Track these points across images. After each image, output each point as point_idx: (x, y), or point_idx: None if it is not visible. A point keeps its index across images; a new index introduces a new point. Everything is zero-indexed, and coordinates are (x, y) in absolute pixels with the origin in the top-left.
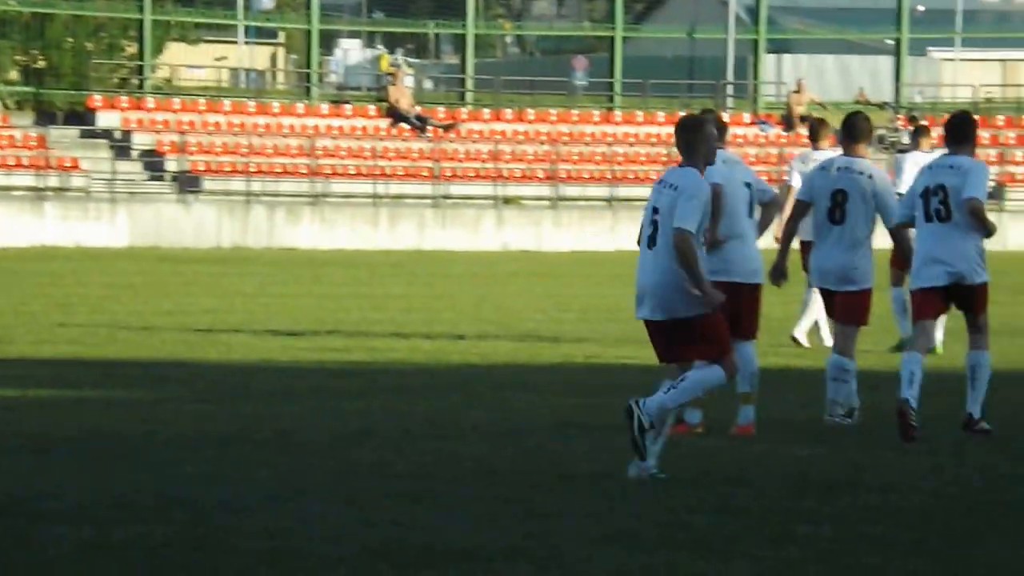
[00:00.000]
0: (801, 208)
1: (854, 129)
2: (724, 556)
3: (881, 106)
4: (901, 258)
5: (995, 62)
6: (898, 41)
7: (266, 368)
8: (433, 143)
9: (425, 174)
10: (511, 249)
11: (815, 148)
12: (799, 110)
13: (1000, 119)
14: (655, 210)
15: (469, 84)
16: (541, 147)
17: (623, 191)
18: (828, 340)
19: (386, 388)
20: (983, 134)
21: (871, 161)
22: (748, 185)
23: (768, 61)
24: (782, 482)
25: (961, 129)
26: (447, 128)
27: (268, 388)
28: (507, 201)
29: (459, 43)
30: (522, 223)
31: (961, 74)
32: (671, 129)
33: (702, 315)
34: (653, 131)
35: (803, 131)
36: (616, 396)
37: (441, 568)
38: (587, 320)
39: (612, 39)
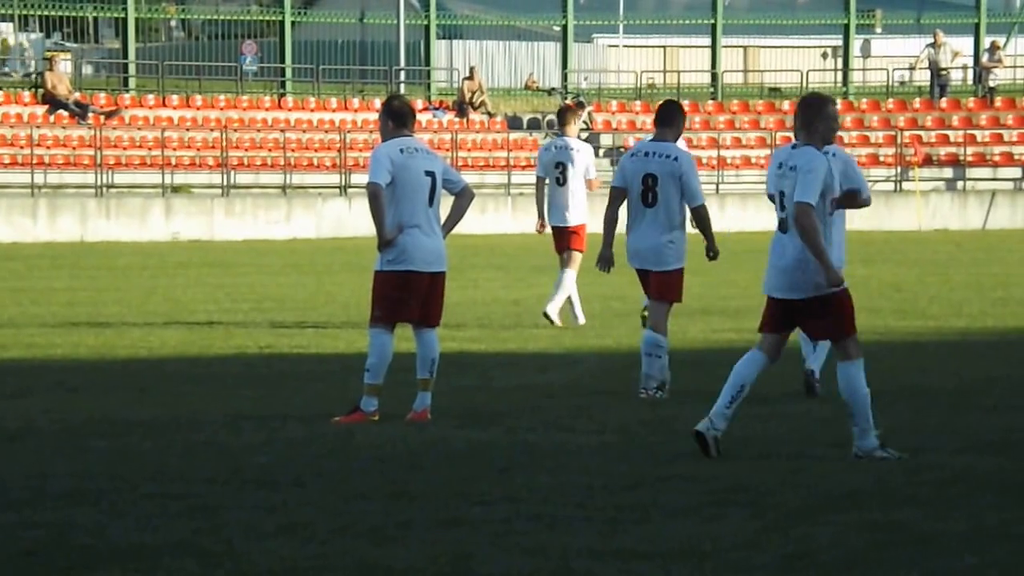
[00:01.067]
0: (618, 194)
1: (666, 115)
2: (398, 542)
3: (549, 91)
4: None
5: (657, 48)
6: (564, 28)
7: None
8: (94, 130)
9: (87, 163)
10: (181, 239)
11: (562, 134)
12: (471, 96)
13: None
14: (782, 194)
15: (132, 69)
16: (211, 134)
17: (297, 178)
18: (581, 318)
19: (47, 386)
20: (645, 119)
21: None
22: (430, 174)
23: (440, 47)
24: (457, 465)
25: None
26: (109, 115)
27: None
28: (176, 190)
29: (120, 27)
30: (192, 212)
31: (625, 60)
32: (344, 115)
33: (836, 292)
34: (326, 117)
35: (475, 117)
36: (289, 387)
37: (105, 568)
38: (261, 310)
39: (281, 23)
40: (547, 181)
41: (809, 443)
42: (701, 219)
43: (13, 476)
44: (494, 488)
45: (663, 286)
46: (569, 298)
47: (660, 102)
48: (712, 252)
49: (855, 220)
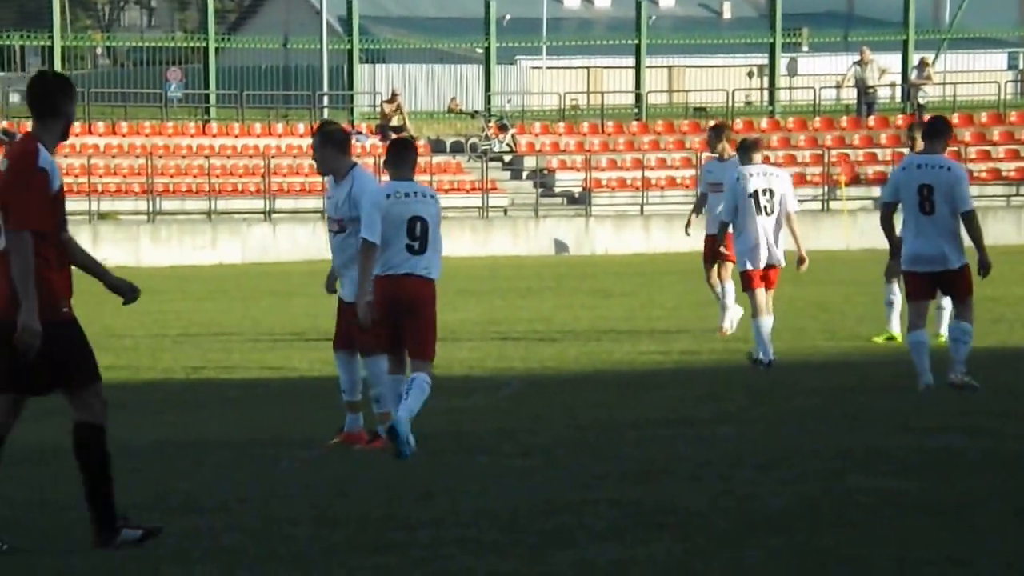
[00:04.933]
0: (891, 207)
1: (935, 129)
2: (322, 569)
3: (473, 114)
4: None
5: (580, 69)
6: (487, 50)
7: None
8: None
9: None
10: (107, 265)
11: (722, 159)
12: (393, 120)
13: (585, 126)
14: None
15: None
16: (136, 160)
17: (222, 203)
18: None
19: None
20: (569, 140)
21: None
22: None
23: (363, 71)
24: (381, 490)
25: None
26: None
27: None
28: (102, 216)
29: (46, 55)
30: (119, 238)
31: (549, 82)
32: (268, 140)
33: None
34: (250, 143)
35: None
36: (213, 412)
37: None
38: (188, 335)
39: (205, 49)
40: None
41: (738, 465)
42: (973, 226)
43: None
44: (419, 512)
45: (960, 281)
46: (725, 306)
47: (929, 117)
48: (984, 267)
49: (787, 239)
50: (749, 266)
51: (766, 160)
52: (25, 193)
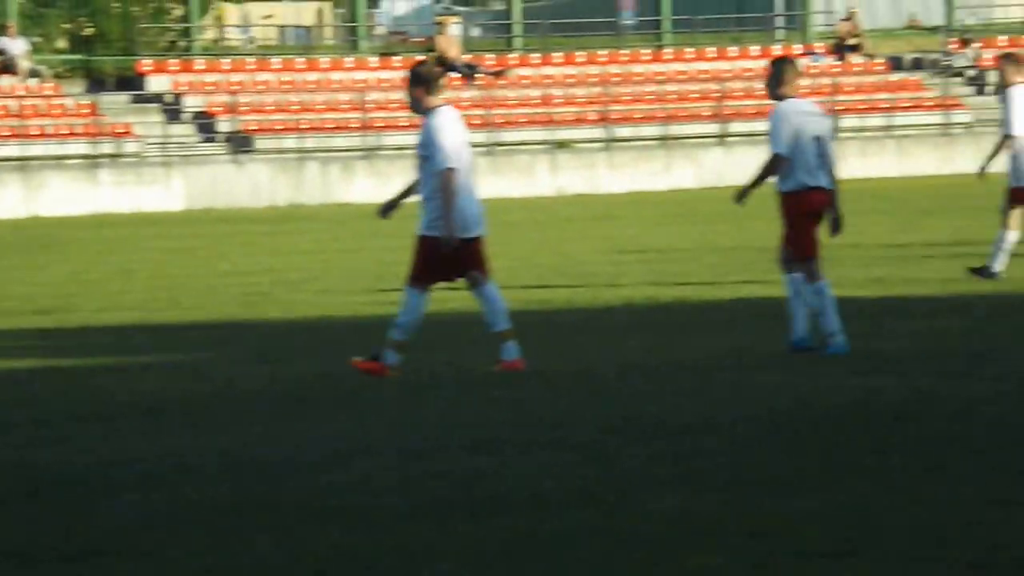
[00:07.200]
0: None
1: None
2: (794, 492)
3: (934, 30)
4: None
5: None
6: None
7: (329, 325)
8: (483, 91)
9: (477, 122)
10: (566, 194)
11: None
12: (849, 38)
13: None
14: None
15: (517, 30)
16: (592, 89)
17: (675, 129)
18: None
19: (447, 339)
20: None
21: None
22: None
23: None
24: (847, 417)
25: None
26: (497, 75)
27: (334, 342)
28: (560, 145)
29: None
30: (576, 167)
31: None
32: (722, 64)
33: None
34: (704, 67)
35: (855, 59)
36: (675, 337)
37: (510, 516)
38: (646, 261)
39: None
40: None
41: None
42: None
43: (421, 426)
44: (891, 437)
45: None
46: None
47: None
48: None
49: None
50: None
51: None
52: None
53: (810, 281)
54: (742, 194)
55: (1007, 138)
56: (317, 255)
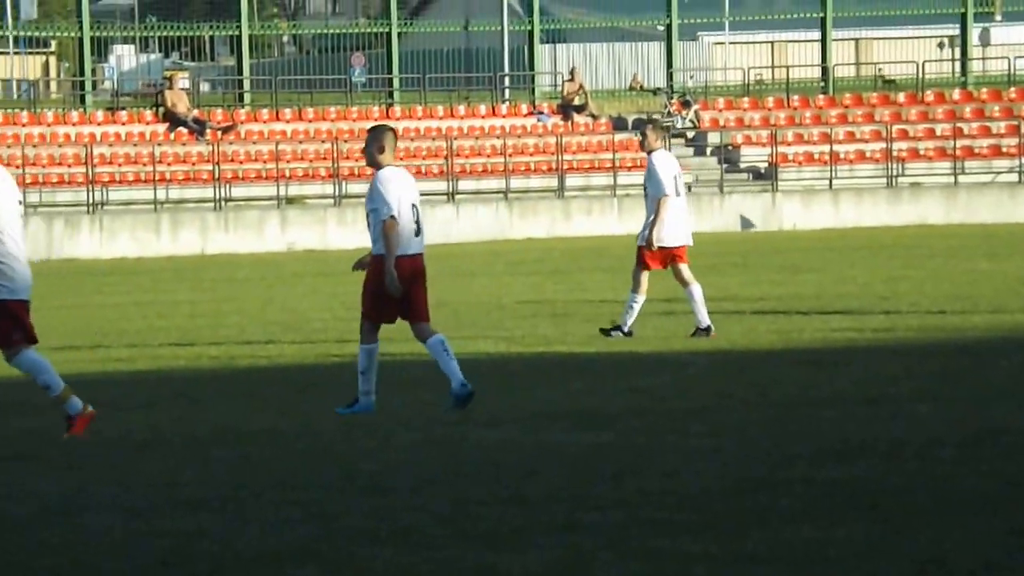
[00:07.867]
0: None
1: None
2: (513, 548)
3: (655, 91)
4: None
5: (764, 44)
6: (669, 27)
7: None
8: (212, 146)
9: (205, 177)
10: (296, 249)
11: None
12: (573, 98)
13: (770, 100)
14: None
15: (247, 85)
16: (322, 145)
17: None
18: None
19: (171, 397)
20: (753, 116)
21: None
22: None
23: (544, 51)
24: (570, 470)
25: None
26: (226, 130)
27: (48, 402)
28: (290, 201)
29: (235, 44)
30: (307, 222)
31: (732, 57)
32: (451, 122)
33: None
34: (433, 125)
35: (580, 119)
36: (396, 393)
37: (233, 573)
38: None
39: (388, 34)
40: None
41: (937, 444)
42: None
43: (141, 485)
44: (608, 493)
45: None
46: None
47: None
48: None
49: (980, 212)
50: None
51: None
52: None
53: (362, 341)
54: (359, 264)
55: (665, 198)
56: (38, 312)
